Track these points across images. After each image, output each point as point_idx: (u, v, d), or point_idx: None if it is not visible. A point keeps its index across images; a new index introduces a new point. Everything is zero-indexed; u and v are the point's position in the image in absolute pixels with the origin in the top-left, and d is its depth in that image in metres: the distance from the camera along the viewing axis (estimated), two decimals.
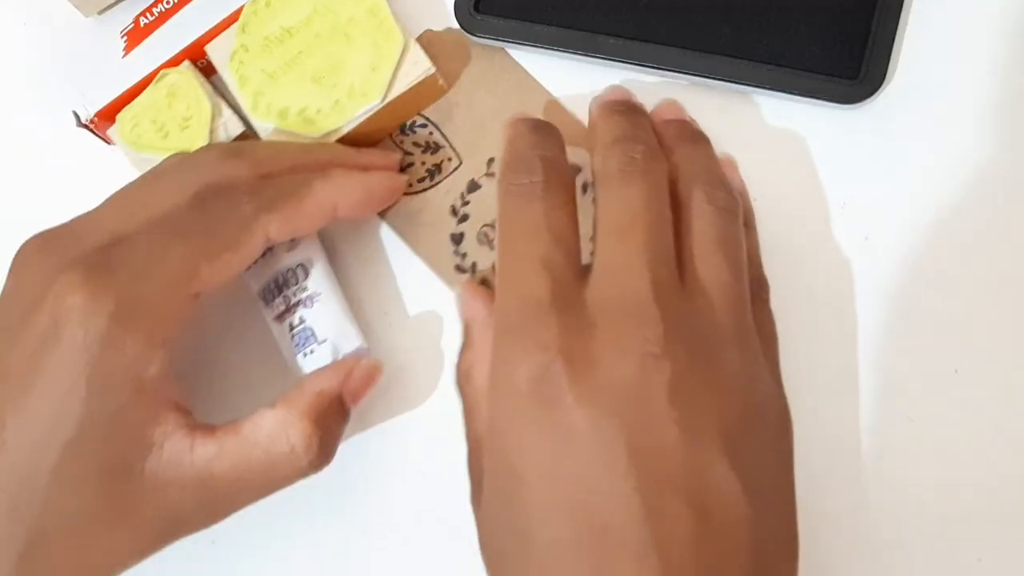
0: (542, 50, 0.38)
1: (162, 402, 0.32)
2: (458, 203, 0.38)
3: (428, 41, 0.39)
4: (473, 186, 0.38)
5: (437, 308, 0.38)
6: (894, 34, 0.36)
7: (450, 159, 0.39)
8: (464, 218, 0.38)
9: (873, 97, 0.36)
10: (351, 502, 0.37)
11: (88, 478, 0.31)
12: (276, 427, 0.33)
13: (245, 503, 0.33)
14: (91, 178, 0.41)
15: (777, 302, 0.34)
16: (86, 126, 0.40)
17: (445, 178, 0.39)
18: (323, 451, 0.33)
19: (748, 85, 0.37)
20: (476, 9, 0.39)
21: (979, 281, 0.35)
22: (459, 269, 0.38)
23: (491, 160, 0.39)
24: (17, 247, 0.41)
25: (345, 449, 0.36)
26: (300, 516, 0.36)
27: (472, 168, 0.39)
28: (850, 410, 0.34)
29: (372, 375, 0.35)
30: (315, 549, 0.36)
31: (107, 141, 0.41)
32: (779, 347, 0.34)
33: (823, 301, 0.35)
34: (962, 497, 0.33)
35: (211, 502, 0.33)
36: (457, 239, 0.38)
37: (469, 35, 0.39)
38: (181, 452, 0.32)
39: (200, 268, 0.32)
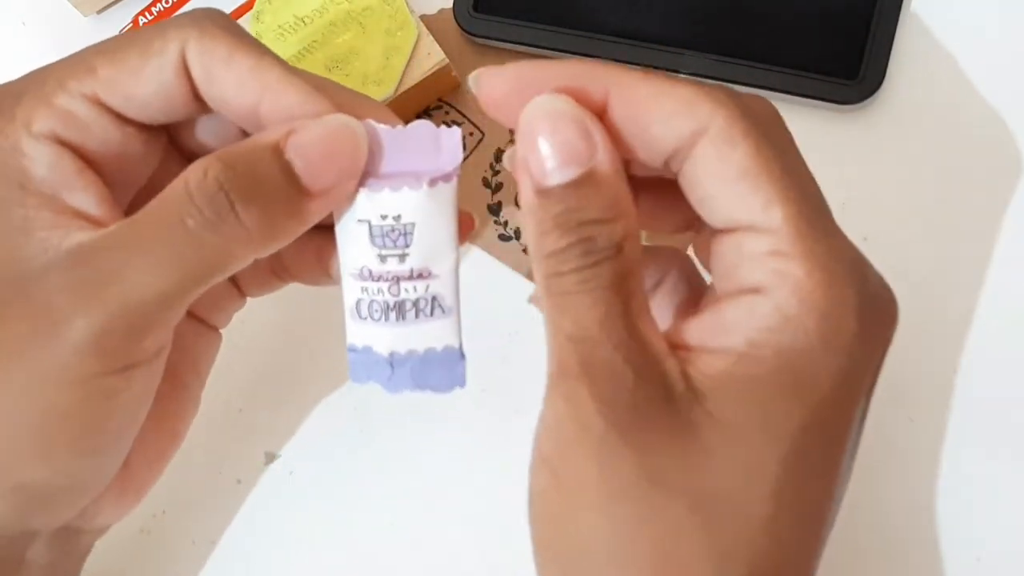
0: (541, 51, 0.38)
1: (59, 208, 0.27)
2: (488, 174, 0.38)
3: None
4: (500, 155, 0.39)
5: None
6: (893, 35, 0.37)
7: (472, 133, 0.39)
8: (498, 188, 0.38)
9: (872, 98, 0.36)
10: (351, 501, 0.36)
11: None
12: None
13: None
14: None
15: None
16: None
17: (471, 153, 0.39)
18: (240, 205, 0.25)
19: (747, 86, 0.37)
20: (475, 9, 0.39)
21: (979, 280, 0.35)
22: (502, 238, 0.38)
23: None
24: None
25: (347, 447, 0.36)
26: (300, 516, 0.36)
27: (496, 138, 0.39)
28: None
29: (337, 144, 0.27)
30: (313, 550, 0.36)
31: None
32: None
33: None
34: (962, 497, 0.33)
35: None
36: (495, 209, 0.38)
37: (468, 35, 0.39)
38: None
39: (96, 64, 0.27)
